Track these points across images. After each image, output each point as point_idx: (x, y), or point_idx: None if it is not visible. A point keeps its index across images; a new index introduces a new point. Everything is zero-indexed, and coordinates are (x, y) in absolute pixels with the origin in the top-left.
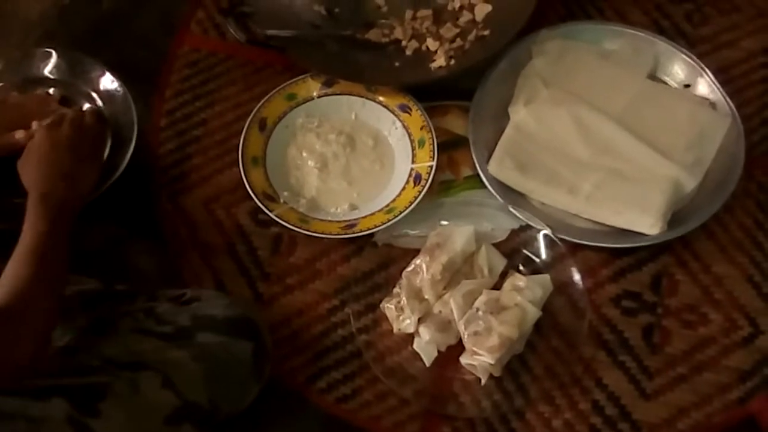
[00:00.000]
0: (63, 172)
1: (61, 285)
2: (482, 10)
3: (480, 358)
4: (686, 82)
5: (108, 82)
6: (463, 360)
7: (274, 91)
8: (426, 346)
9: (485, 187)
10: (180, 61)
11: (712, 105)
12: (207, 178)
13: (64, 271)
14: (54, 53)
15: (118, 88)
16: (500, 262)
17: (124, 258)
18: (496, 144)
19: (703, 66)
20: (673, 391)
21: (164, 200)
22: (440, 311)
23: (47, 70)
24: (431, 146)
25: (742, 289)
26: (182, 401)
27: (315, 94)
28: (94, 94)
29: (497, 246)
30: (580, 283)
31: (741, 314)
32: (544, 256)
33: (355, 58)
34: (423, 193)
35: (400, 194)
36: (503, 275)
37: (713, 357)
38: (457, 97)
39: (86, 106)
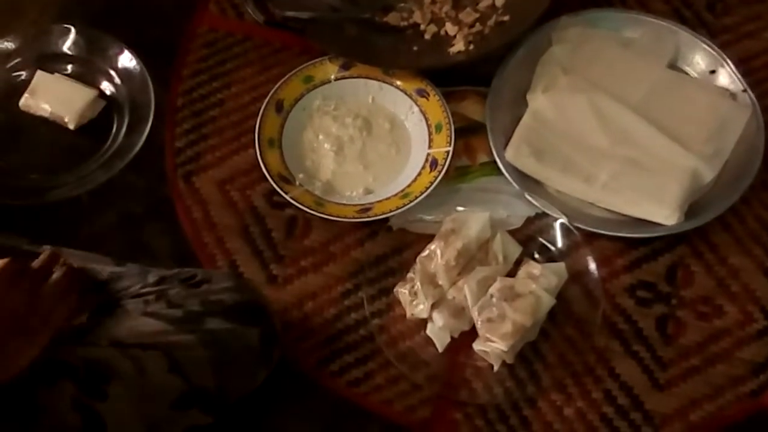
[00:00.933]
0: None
1: None
2: None
3: (493, 345)
4: (708, 73)
5: (126, 60)
6: (476, 346)
7: (292, 73)
8: (439, 331)
9: (501, 173)
10: (197, 41)
11: (733, 96)
12: (222, 159)
13: None
14: (72, 29)
15: (137, 66)
16: (515, 250)
17: (139, 237)
18: (513, 131)
19: (724, 56)
20: (686, 382)
21: (179, 180)
22: (454, 297)
23: (66, 46)
24: (448, 131)
25: (758, 282)
26: (189, 386)
27: (332, 76)
28: (112, 72)
29: (512, 233)
30: (595, 272)
31: (756, 307)
32: (559, 244)
33: (373, 42)
34: (439, 178)
35: (415, 179)
36: (518, 263)
37: (727, 349)
38: (475, 83)
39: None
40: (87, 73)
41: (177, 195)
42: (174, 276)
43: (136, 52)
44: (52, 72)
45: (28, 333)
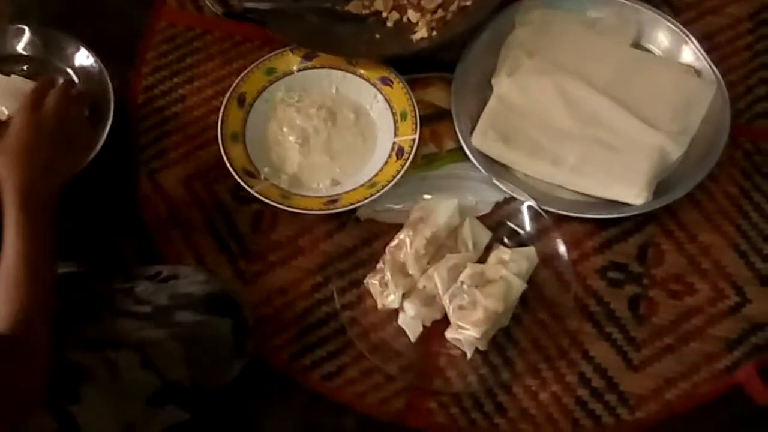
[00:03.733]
0: (45, 164)
1: (54, 284)
2: None
3: (465, 333)
4: (673, 51)
5: (83, 58)
6: (449, 335)
7: (253, 65)
8: (411, 321)
9: (469, 159)
10: (157, 37)
11: (698, 73)
12: (186, 155)
13: (54, 268)
14: (27, 29)
15: (94, 64)
16: (485, 236)
17: (104, 237)
18: (479, 116)
19: (687, 33)
20: (660, 362)
21: (143, 178)
22: (425, 286)
23: (20, 47)
24: (413, 119)
25: (728, 258)
26: (163, 381)
27: (295, 68)
28: (70, 71)
29: (481, 219)
30: (566, 255)
31: (728, 283)
32: (528, 228)
33: (335, 31)
34: (406, 167)
35: (382, 168)
36: (488, 248)
37: (700, 327)
38: (439, 69)
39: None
40: (44, 72)
41: (141, 193)
42: (139, 273)
43: (95, 51)
44: (8, 73)
45: (72, 140)
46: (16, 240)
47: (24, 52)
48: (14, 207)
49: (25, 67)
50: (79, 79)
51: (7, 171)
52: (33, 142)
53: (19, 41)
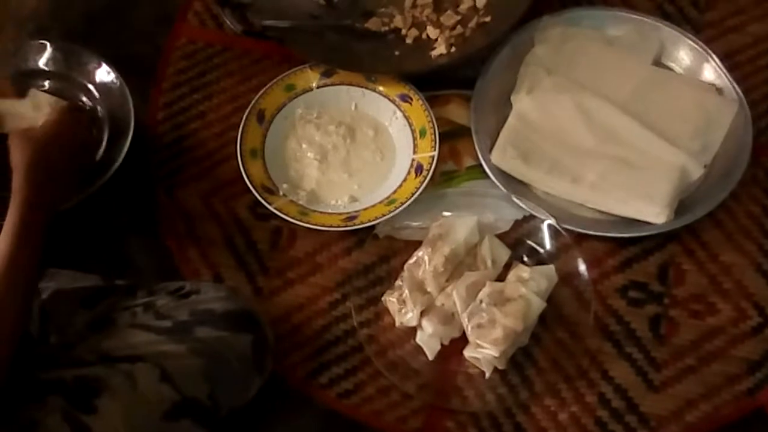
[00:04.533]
0: (56, 174)
1: (33, 288)
2: None
3: (484, 351)
4: (693, 68)
5: (104, 74)
6: (467, 353)
7: (273, 82)
8: (429, 339)
9: (488, 177)
10: (177, 54)
11: (719, 91)
12: (205, 171)
13: (36, 276)
14: (49, 45)
15: (115, 80)
16: (504, 253)
17: (123, 253)
18: (498, 133)
19: (709, 51)
20: (681, 383)
21: (162, 194)
22: (443, 304)
23: (42, 62)
24: (433, 136)
25: (750, 278)
26: (181, 396)
27: (314, 84)
28: (91, 87)
29: (501, 237)
30: (586, 273)
31: (749, 303)
32: (548, 246)
33: (354, 48)
34: (425, 184)
35: (401, 185)
36: (507, 266)
37: (721, 347)
38: (458, 86)
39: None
40: (65, 88)
41: (160, 209)
42: (162, 288)
43: (115, 67)
44: (29, 88)
45: (78, 162)
46: (6, 238)
47: (45, 68)
48: (13, 211)
49: (46, 83)
50: (99, 94)
51: (21, 166)
52: (37, 158)
53: (41, 57)
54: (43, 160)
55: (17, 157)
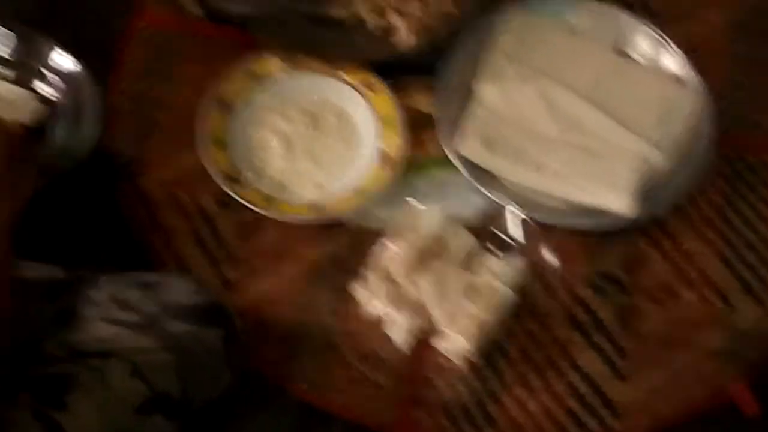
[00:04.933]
0: None
1: None
2: None
3: (454, 342)
4: (654, 57)
5: (62, 59)
6: (437, 344)
7: (235, 68)
8: (398, 329)
9: (453, 166)
10: (136, 40)
11: (681, 81)
12: (167, 159)
13: None
14: (2, 29)
15: (73, 66)
16: (471, 243)
17: (85, 243)
18: (462, 121)
19: (668, 40)
20: (648, 371)
21: (124, 183)
22: (412, 293)
23: None
24: (397, 124)
25: (714, 267)
26: (152, 391)
27: (277, 72)
28: (48, 72)
29: (467, 226)
30: (554, 263)
31: (714, 292)
32: (515, 236)
33: (317, 35)
34: (393, 173)
35: (367, 174)
36: (475, 256)
37: (687, 336)
38: (421, 74)
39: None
40: (23, 76)
41: (122, 198)
42: (127, 279)
43: (73, 52)
44: None
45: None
46: None
47: (2, 55)
48: None
49: (2, 70)
50: (60, 81)
51: None
52: None
53: None
54: None
55: None
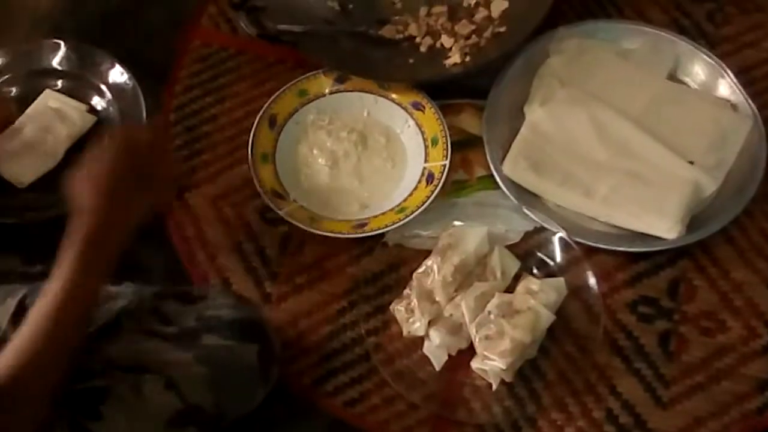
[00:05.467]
0: (124, 204)
1: (68, 354)
2: (498, 7)
3: (491, 363)
4: (707, 83)
5: (117, 74)
6: (474, 364)
7: (285, 87)
8: (436, 349)
9: (499, 187)
10: (190, 56)
11: (734, 107)
12: (215, 175)
13: (79, 336)
14: (63, 44)
15: (128, 81)
16: (514, 265)
17: (131, 255)
18: (510, 144)
19: (724, 66)
20: (689, 400)
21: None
22: (451, 314)
23: (55, 61)
24: (444, 145)
25: (761, 296)
26: (185, 404)
27: (327, 90)
28: (103, 87)
29: (511, 248)
30: (596, 287)
31: (760, 322)
32: (558, 259)
33: (368, 55)
34: (435, 192)
35: (412, 194)
36: (516, 278)
37: (731, 365)
38: (471, 96)
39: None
40: (77, 88)
41: (169, 212)
42: (169, 293)
43: (128, 68)
44: (42, 88)
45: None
46: (59, 282)
47: (59, 67)
48: (74, 245)
49: (59, 83)
50: (112, 95)
51: (87, 200)
52: (121, 176)
53: (55, 56)
54: (108, 199)
55: (101, 182)
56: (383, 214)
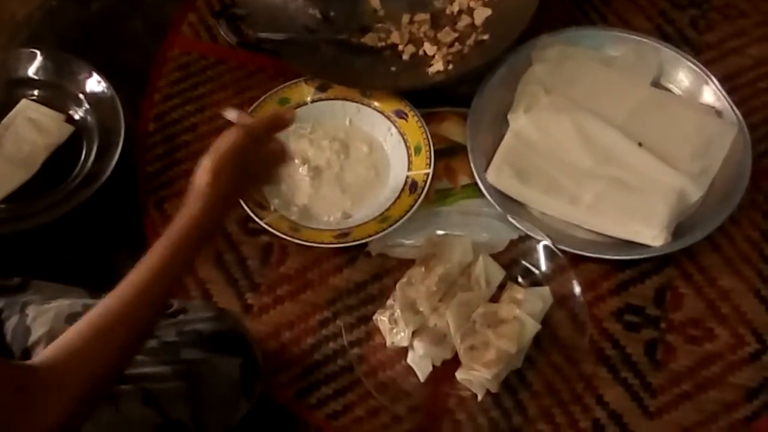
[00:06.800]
0: (235, 190)
1: (136, 347)
2: (481, 14)
3: (476, 374)
4: (692, 90)
5: (95, 83)
6: (459, 375)
7: (266, 95)
8: (420, 360)
9: (483, 195)
10: (170, 65)
11: (718, 113)
12: None
13: (150, 326)
14: (39, 54)
15: (106, 90)
16: (498, 274)
17: (110, 266)
18: (494, 152)
19: (708, 73)
20: (677, 410)
21: (150, 207)
22: (435, 324)
23: (32, 70)
24: (428, 153)
25: (748, 304)
26: (164, 419)
27: (308, 99)
28: (81, 96)
29: (495, 257)
30: (581, 296)
31: (748, 329)
32: (543, 267)
33: (350, 63)
34: (419, 201)
35: (395, 202)
36: (501, 287)
37: (719, 374)
38: (454, 103)
39: None
40: (55, 97)
41: (149, 222)
42: None
43: (107, 77)
44: (20, 98)
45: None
46: (145, 275)
47: (36, 77)
48: (181, 226)
49: (36, 92)
50: (90, 105)
51: (201, 186)
52: (243, 162)
53: (31, 65)
54: (226, 182)
55: (221, 177)
56: (366, 223)
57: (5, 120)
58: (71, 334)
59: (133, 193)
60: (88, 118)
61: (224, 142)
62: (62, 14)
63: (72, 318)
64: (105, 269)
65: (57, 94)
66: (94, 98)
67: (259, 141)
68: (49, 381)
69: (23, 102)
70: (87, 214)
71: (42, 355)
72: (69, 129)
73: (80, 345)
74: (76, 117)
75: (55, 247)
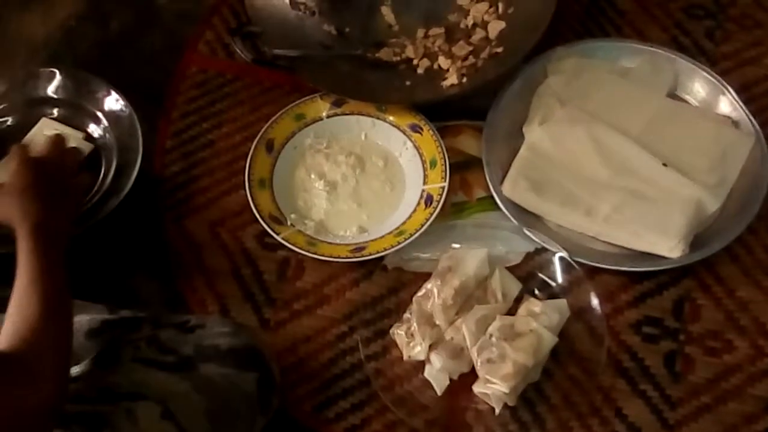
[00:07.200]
0: (49, 201)
1: (69, 316)
2: (496, 28)
3: (494, 387)
4: (708, 100)
5: (113, 102)
6: (476, 389)
7: (282, 111)
8: (437, 374)
9: (499, 208)
10: (187, 82)
11: (735, 124)
12: (213, 200)
13: (69, 301)
14: (58, 73)
15: (124, 109)
16: (515, 287)
17: (129, 282)
18: (510, 165)
19: (725, 84)
20: (696, 422)
21: (169, 223)
22: (452, 338)
23: (51, 90)
24: (443, 167)
25: None
26: None
27: (324, 114)
28: (100, 114)
29: (512, 270)
30: (599, 308)
31: (767, 341)
32: (560, 280)
33: (365, 78)
34: (434, 215)
35: (410, 216)
36: (518, 300)
37: (738, 386)
38: (469, 117)
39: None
40: (74, 116)
41: (167, 238)
42: (167, 320)
43: (125, 95)
44: (39, 116)
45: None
46: (27, 265)
47: (54, 95)
48: (25, 238)
49: (55, 111)
50: (108, 122)
51: (15, 209)
52: (35, 180)
53: (50, 84)
54: (44, 179)
55: (17, 181)
56: (382, 237)
57: (25, 138)
58: (20, 316)
59: (152, 209)
60: (107, 135)
61: (17, 179)
62: (81, 34)
63: (92, 333)
64: (124, 286)
65: (76, 112)
66: (112, 116)
67: (47, 164)
68: (24, 364)
69: (43, 120)
70: (106, 230)
71: (4, 342)
72: (89, 147)
73: (40, 324)
74: (95, 135)
75: (75, 263)
